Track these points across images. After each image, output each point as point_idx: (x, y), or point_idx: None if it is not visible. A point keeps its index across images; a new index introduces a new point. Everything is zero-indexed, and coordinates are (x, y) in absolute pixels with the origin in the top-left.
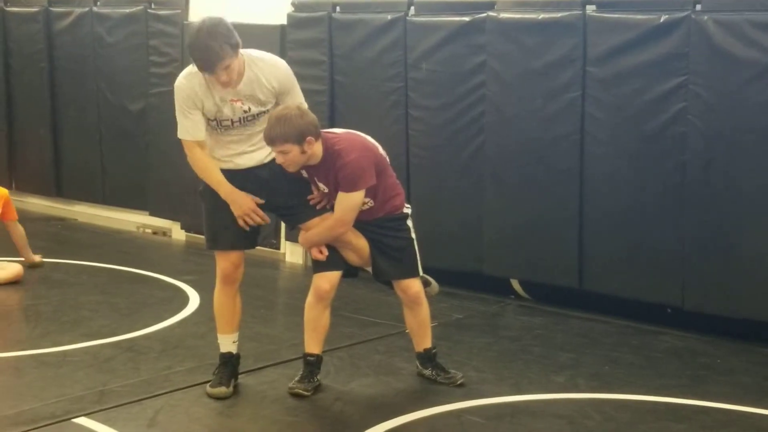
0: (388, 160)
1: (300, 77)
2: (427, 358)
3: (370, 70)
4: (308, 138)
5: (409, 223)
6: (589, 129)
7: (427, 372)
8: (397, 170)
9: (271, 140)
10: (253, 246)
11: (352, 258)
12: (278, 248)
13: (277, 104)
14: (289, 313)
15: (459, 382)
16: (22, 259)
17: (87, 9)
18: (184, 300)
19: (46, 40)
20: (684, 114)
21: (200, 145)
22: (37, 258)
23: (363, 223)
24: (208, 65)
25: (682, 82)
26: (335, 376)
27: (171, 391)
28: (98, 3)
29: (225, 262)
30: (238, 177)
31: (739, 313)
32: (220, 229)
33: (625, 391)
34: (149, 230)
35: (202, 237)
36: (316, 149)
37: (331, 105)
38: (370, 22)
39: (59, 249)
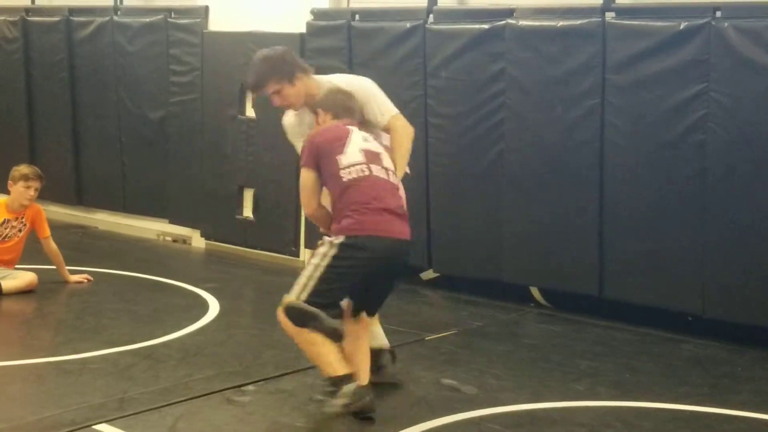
0: (343, 167)
1: None
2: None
3: (390, 78)
4: (319, 110)
5: (321, 248)
6: (609, 136)
7: None
8: (416, 178)
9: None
10: None
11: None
12: (298, 256)
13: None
14: None
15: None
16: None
17: (108, 18)
18: (204, 307)
19: (67, 49)
20: (704, 121)
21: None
22: (77, 277)
23: None
24: (250, 87)
25: (703, 89)
26: None
27: (190, 399)
28: (119, 12)
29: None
30: None
31: (761, 321)
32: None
33: (646, 399)
34: (169, 238)
35: (222, 245)
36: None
37: None
38: (389, 30)
39: (80, 257)
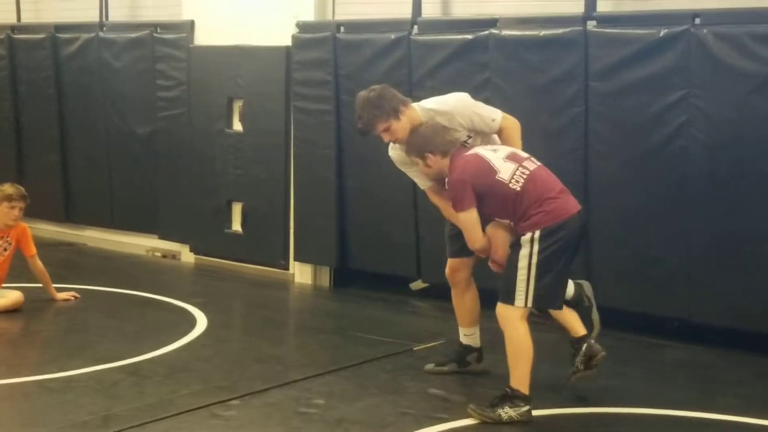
0: (509, 181)
1: (305, 98)
2: (501, 396)
3: None
4: (427, 154)
5: (523, 250)
6: (593, 144)
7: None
8: (404, 189)
9: (406, 152)
10: (469, 255)
11: None
12: (287, 269)
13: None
14: (297, 335)
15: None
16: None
17: (93, 34)
18: (191, 323)
19: (54, 66)
20: (686, 127)
21: (435, 192)
22: (64, 295)
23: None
24: (360, 131)
25: (684, 95)
26: (341, 396)
27: (175, 414)
28: (104, 28)
29: (447, 267)
30: None
31: (747, 326)
32: (446, 240)
33: (632, 405)
34: (158, 254)
35: (211, 259)
36: (442, 165)
37: (338, 125)
38: (374, 42)
39: (68, 274)
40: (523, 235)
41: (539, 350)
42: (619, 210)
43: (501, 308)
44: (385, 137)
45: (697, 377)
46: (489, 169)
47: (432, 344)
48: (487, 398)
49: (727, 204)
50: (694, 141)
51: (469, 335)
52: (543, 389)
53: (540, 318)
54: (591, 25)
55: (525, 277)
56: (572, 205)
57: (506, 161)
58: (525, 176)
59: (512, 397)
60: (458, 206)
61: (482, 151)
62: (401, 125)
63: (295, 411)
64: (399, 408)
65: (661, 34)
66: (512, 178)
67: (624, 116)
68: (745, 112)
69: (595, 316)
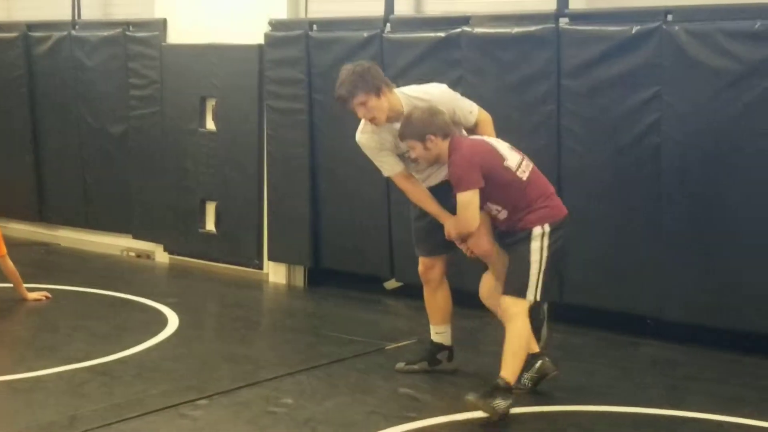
0: (516, 169)
1: (278, 96)
2: (494, 387)
3: None
4: (429, 136)
5: (534, 243)
6: (565, 141)
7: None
8: (377, 188)
9: (400, 137)
10: (443, 253)
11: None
12: (261, 268)
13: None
14: (269, 334)
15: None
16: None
17: (65, 33)
18: (163, 322)
19: (26, 65)
20: (658, 125)
21: (405, 177)
22: (35, 295)
23: (496, 230)
24: (339, 98)
25: (656, 92)
26: (311, 396)
27: (142, 414)
28: (77, 27)
29: (420, 264)
30: None
31: (719, 323)
32: (417, 239)
33: (602, 403)
34: (133, 253)
35: (186, 259)
36: (442, 148)
37: (311, 123)
38: (346, 40)
39: (41, 274)
40: (532, 228)
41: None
42: (591, 207)
43: (510, 302)
44: (360, 112)
45: (667, 375)
46: (497, 155)
47: (404, 343)
48: (457, 397)
49: (700, 201)
50: (666, 138)
51: (440, 333)
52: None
53: None
54: (563, 22)
55: (537, 270)
56: (563, 205)
57: (511, 151)
58: (530, 168)
59: (504, 390)
60: (463, 185)
61: (486, 138)
62: (379, 105)
63: (263, 410)
64: (368, 407)
65: (633, 31)
66: (519, 167)
67: (596, 114)
68: (717, 108)
69: (544, 332)
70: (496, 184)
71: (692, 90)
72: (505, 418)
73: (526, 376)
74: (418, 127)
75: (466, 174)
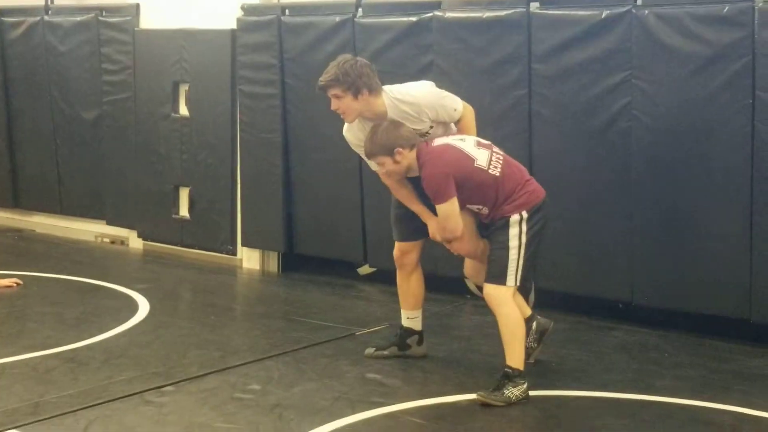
0: (487, 167)
1: (251, 81)
2: (501, 377)
3: (320, 73)
4: (397, 149)
5: (512, 230)
6: (536, 126)
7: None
8: (350, 174)
9: (367, 156)
10: (420, 238)
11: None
12: (235, 254)
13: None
14: (240, 320)
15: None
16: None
17: (38, 18)
18: (133, 309)
19: None
20: (629, 109)
21: None
22: (5, 282)
23: (479, 224)
24: (319, 83)
25: (626, 77)
26: (279, 381)
27: (107, 401)
28: (50, 12)
29: (396, 249)
30: None
31: (688, 307)
32: (393, 223)
33: (570, 388)
34: (107, 239)
35: (160, 245)
36: (411, 159)
37: (283, 108)
38: (318, 25)
39: (14, 261)
40: (509, 216)
41: (477, 336)
42: (562, 192)
43: (492, 289)
44: (333, 103)
45: (636, 359)
46: (466, 158)
47: (375, 329)
48: (425, 382)
49: (670, 186)
50: (636, 123)
51: (411, 318)
52: (481, 373)
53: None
54: (534, 6)
55: (516, 256)
56: (541, 187)
57: (479, 148)
58: (501, 161)
59: (513, 377)
60: (441, 198)
61: (451, 141)
62: (352, 106)
63: (230, 396)
64: (335, 392)
65: (603, 15)
66: (490, 164)
67: (567, 98)
68: (687, 93)
69: (532, 296)
70: (471, 187)
71: (662, 74)
72: (526, 402)
73: (528, 339)
74: (385, 142)
75: (442, 186)
